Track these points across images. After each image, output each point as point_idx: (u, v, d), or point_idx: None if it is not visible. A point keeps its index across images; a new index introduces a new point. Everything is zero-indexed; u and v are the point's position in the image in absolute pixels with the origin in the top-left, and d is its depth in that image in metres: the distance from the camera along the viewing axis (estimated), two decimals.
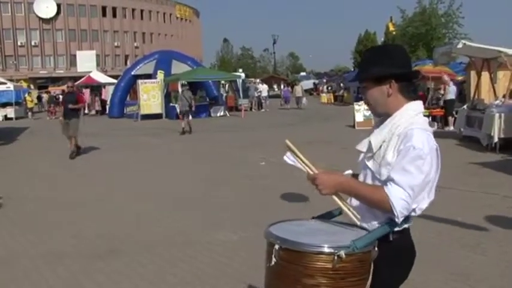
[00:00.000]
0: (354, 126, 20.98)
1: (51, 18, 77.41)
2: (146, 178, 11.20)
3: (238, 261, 5.65)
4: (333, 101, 44.02)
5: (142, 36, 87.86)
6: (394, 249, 2.41)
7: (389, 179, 2.34)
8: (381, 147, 2.45)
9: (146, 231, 6.99)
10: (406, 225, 2.46)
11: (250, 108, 34.84)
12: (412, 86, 2.58)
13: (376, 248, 2.31)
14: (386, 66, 2.47)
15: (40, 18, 76.81)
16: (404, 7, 48.52)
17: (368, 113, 21.22)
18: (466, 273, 4.99)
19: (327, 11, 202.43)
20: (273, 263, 2.29)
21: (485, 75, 16.60)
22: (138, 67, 33.60)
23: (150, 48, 76.08)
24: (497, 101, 14.27)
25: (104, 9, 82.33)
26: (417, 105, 2.52)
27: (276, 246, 2.27)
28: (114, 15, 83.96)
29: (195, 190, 9.70)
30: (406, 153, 2.31)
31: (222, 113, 30.90)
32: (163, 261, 5.75)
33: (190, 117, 21.09)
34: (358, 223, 2.47)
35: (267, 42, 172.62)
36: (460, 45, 15.11)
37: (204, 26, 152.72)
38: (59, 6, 77.49)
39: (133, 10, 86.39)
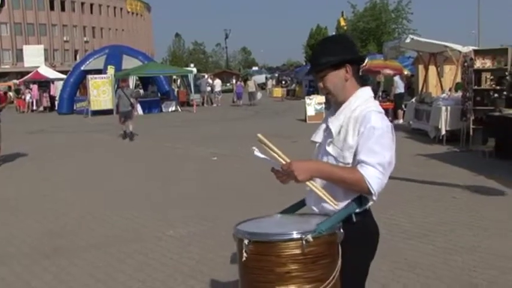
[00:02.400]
0: (305, 120, 21.11)
1: None
2: (94, 175, 10.98)
3: (189, 256, 5.60)
4: (285, 95, 44.12)
5: (92, 31, 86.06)
6: (358, 231, 2.51)
7: (359, 161, 2.43)
8: (339, 132, 2.55)
9: (93, 229, 6.85)
10: (366, 206, 2.55)
11: (202, 103, 34.65)
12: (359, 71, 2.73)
13: (341, 230, 2.40)
14: (340, 53, 2.58)
15: None
16: (355, 2, 49.18)
17: (319, 106, 21.43)
18: (413, 262, 5.09)
19: (278, 6, 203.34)
20: (244, 258, 2.33)
21: (432, 69, 17.02)
22: (87, 62, 32.90)
23: (100, 43, 74.74)
24: (444, 95, 14.65)
25: (51, 2, 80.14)
26: (368, 90, 2.66)
27: (245, 241, 2.32)
28: (63, 9, 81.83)
29: (144, 186, 9.59)
30: (368, 135, 2.44)
31: (173, 108, 30.64)
32: (112, 258, 5.65)
33: (132, 118, 17.26)
34: (336, 207, 2.50)
35: (219, 37, 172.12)
36: (408, 40, 15.46)
37: (156, 20, 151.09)
38: None
39: (82, 4, 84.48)
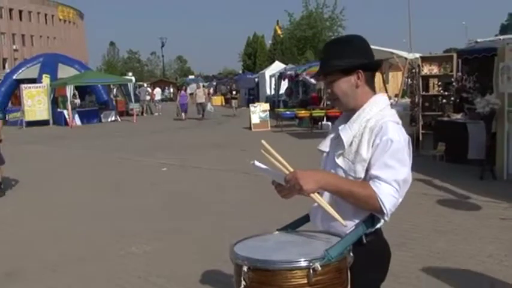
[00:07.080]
0: (250, 128, 20.98)
1: None
2: (39, 191, 10.32)
3: (156, 273, 5.28)
4: (223, 103, 43.92)
5: (21, 39, 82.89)
6: (368, 252, 2.26)
7: (373, 177, 2.18)
8: (351, 143, 2.29)
9: (47, 249, 6.33)
10: (378, 226, 2.30)
11: (142, 113, 33.85)
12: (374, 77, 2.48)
13: (351, 254, 2.15)
14: (353, 57, 2.34)
15: None
16: (292, 10, 49.86)
17: (264, 114, 21.37)
18: (395, 272, 4.94)
19: (214, 14, 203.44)
20: (242, 286, 2.07)
21: (377, 76, 17.24)
22: (20, 71, 31.59)
23: (31, 51, 72.16)
24: (391, 100, 14.84)
25: None
26: (384, 98, 2.41)
27: (244, 268, 2.05)
28: None
29: (96, 199, 9.11)
30: (384, 148, 2.19)
31: (113, 118, 29.76)
32: (73, 280, 5.21)
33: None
34: (344, 223, 2.23)
35: (155, 46, 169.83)
36: None
37: (89, 28, 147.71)
38: None
39: (10, 10, 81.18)
